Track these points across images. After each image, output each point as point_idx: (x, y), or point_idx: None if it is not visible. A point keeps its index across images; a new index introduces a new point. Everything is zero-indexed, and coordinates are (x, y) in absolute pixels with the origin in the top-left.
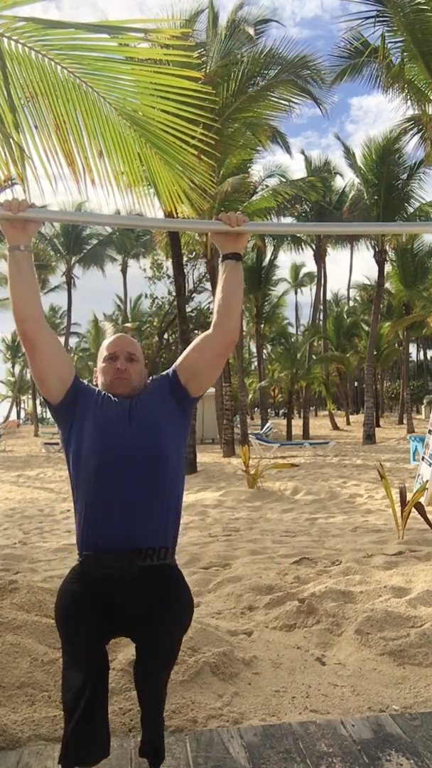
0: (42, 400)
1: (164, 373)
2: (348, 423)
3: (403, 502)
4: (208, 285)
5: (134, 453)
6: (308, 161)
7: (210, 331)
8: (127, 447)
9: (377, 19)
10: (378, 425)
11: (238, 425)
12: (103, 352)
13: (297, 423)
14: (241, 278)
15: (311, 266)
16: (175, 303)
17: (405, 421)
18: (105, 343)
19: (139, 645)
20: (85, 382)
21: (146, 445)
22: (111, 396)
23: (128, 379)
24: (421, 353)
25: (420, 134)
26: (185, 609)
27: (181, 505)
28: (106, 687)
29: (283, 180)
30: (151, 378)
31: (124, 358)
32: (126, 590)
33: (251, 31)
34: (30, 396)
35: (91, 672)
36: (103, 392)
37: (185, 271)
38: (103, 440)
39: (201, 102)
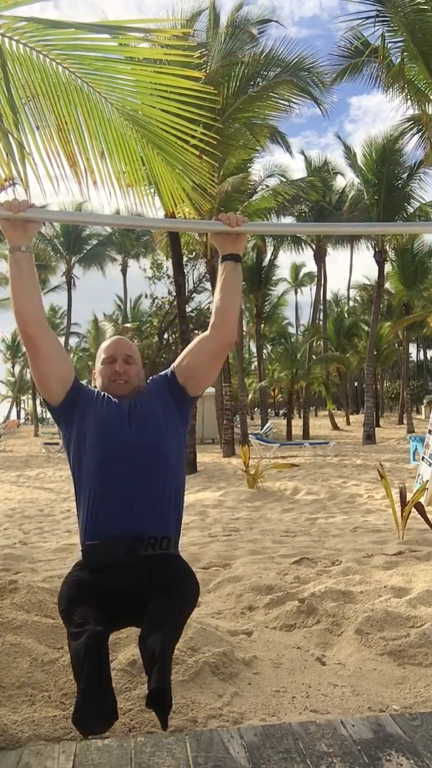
0: (42, 400)
1: (163, 373)
2: (348, 423)
3: (403, 502)
4: (208, 285)
5: (135, 450)
6: (308, 161)
7: (208, 332)
8: (127, 444)
9: (377, 19)
10: (378, 425)
11: (238, 425)
12: (101, 355)
13: (297, 423)
14: (239, 280)
15: (311, 266)
16: (175, 303)
17: (405, 421)
18: (103, 345)
19: (145, 619)
20: (84, 382)
21: (146, 442)
22: (110, 397)
23: (127, 381)
24: (421, 353)
25: (420, 134)
26: (190, 591)
27: (182, 499)
28: (107, 659)
29: (283, 180)
30: (150, 378)
31: (121, 360)
32: (128, 576)
33: (252, 31)
34: (30, 396)
35: (92, 642)
36: (103, 393)
37: (185, 271)
38: (104, 438)
39: (202, 102)
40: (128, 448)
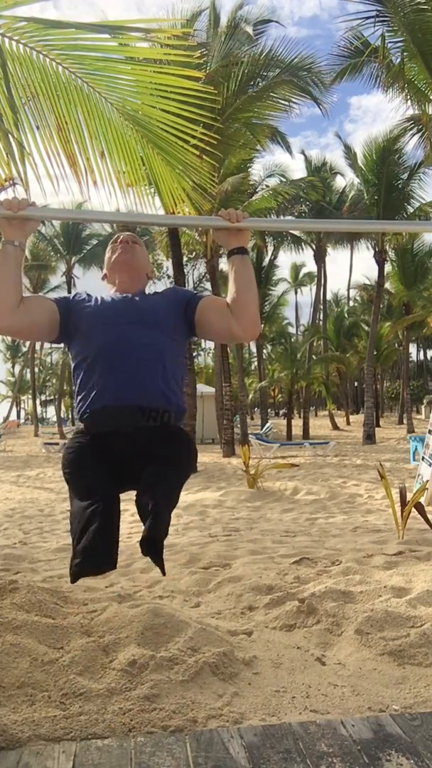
0: (42, 400)
1: (188, 291)
2: (348, 423)
3: (403, 502)
4: (208, 285)
5: (135, 332)
6: (308, 161)
7: (235, 322)
8: (129, 327)
9: (377, 19)
10: (378, 425)
11: (238, 425)
12: (107, 254)
13: (297, 423)
14: (251, 271)
15: (311, 266)
16: None
17: (405, 421)
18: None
19: (142, 482)
20: (75, 294)
21: (148, 326)
22: (113, 295)
23: (131, 253)
24: (421, 353)
25: (420, 134)
26: (187, 458)
27: (181, 386)
28: (118, 510)
29: (283, 180)
30: (171, 287)
31: (126, 237)
32: (129, 442)
33: (252, 31)
34: (30, 396)
35: (102, 498)
36: (100, 296)
37: (185, 271)
38: (106, 321)
39: (202, 102)
40: (129, 333)
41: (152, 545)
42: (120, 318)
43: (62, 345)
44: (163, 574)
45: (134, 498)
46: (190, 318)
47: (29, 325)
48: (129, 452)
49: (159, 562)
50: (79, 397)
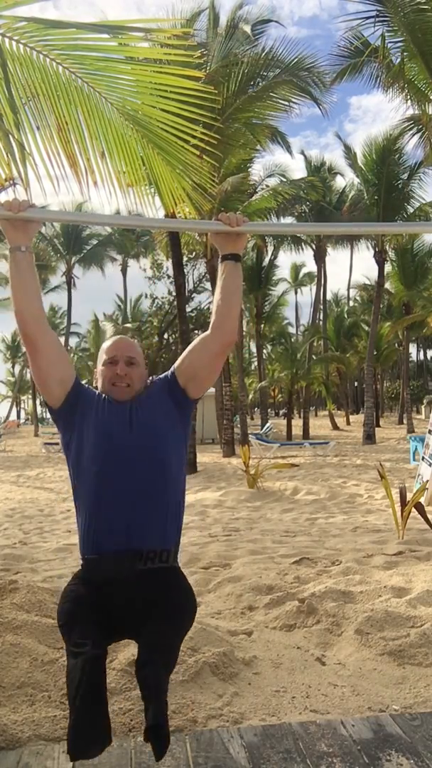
0: (42, 401)
1: (163, 375)
2: (348, 423)
3: (403, 502)
4: (208, 285)
5: (135, 459)
6: (308, 161)
7: (208, 332)
8: (127, 453)
9: (377, 19)
10: (378, 425)
11: (238, 425)
12: (102, 356)
13: (297, 423)
14: (240, 279)
15: (311, 266)
16: (175, 303)
17: (405, 421)
18: (104, 345)
19: (141, 643)
20: (84, 382)
21: (147, 451)
22: (111, 400)
23: (129, 385)
24: (421, 353)
25: (420, 134)
26: (187, 610)
27: (182, 508)
28: (103, 681)
29: (284, 180)
30: (150, 379)
31: (123, 362)
32: (127, 592)
33: (248, 29)
34: (30, 396)
35: (90, 662)
36: (104, 396)
37: (185, 271)
38: (104, 446)
39: (202, 102)
40: (128, 460)
41: (158, 734)
42: (119, 438)
43: (55, 412)
44: (158, 760)
45: None
46: (178, 387)
47: (50, 344)
48: (126, 604)
49: (161, 752)
50: (78, 523)
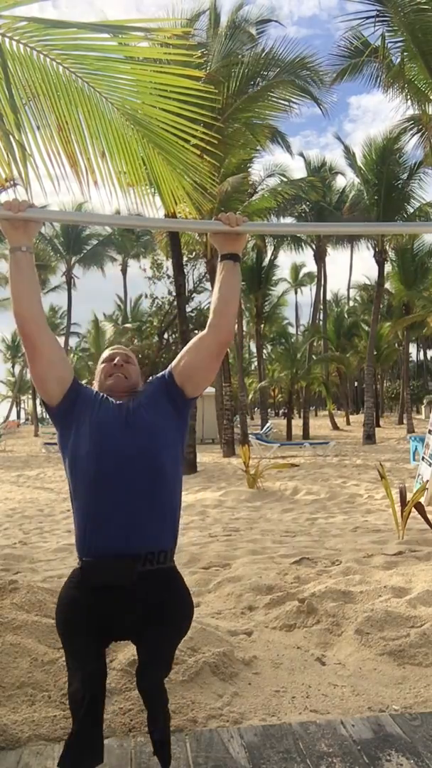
0: (41, 400)
1: (160, 374)
2: (348, 423)
3: (403, 502)
4: (208, 285)
5: (131, 460)
6: (308, 162)
7: (205, 331)
8: (124, 454)
9: (377, 19)
10: (378, 425)
11: (238, 425)
12: (100, 361)
13: (297, 423)
14: (238, 279)
15: (311, 266)
16: (175, 303)
17: (405, 421)
18: (102, 356)
19: (140, 649)
20: (84, 382)
21: (143, 452)
22: (109, 398)
23: (125, 375)
24: (421, 353)
25: (420, 134)
26: (185, 614)
27: (179, 509)
28: (102, 692)
29: (284, 180)
30: (148, 380)
31: (120, 358)
32: (125, 596)
33: (251, 30)
34: (30, 396)
35: (89, 680)
36: (101, 395)
37: (185, 271)
38: (100, 447)
39: (202, 101)
40: (124, 456)
41: (163, 749)
42: (115, 439)
43: (53, 411)
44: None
45: None
46: (175, 386)
47: (49, 343)
48: (126, 609)
49: (167, 763)
50: (75, 524)
